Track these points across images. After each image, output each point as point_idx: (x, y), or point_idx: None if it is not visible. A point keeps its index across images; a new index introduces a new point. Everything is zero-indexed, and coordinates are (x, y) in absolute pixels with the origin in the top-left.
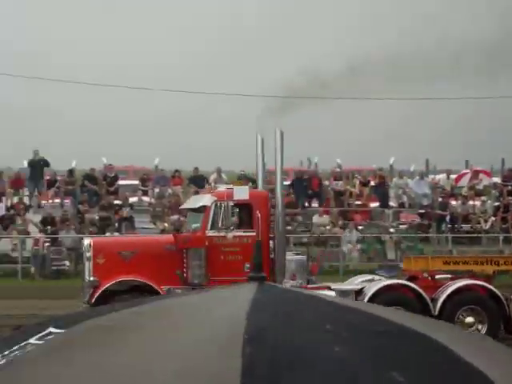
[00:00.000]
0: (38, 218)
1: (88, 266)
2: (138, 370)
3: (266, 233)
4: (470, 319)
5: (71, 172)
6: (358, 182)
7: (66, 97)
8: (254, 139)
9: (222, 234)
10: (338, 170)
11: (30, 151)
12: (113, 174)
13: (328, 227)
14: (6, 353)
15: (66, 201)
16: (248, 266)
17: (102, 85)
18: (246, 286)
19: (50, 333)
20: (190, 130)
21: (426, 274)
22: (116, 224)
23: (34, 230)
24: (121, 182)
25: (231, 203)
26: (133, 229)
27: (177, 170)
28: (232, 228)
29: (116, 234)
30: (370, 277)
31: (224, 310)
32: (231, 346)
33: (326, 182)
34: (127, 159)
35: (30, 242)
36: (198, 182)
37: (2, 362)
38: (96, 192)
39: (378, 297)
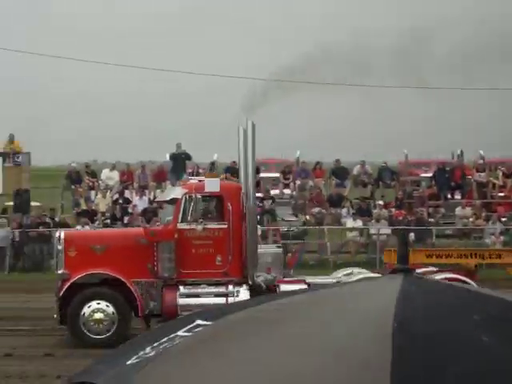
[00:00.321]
0: None
1: (59, 258)
2: (290, 362)
3: (237, 225)
4: None
5: (213, 165)
6: (501, 174)
7: None
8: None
9: (192, 226)
10: (481, 161)
11: (172, 145)
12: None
13: (471, 219)
14: (155, 345)
15: None
16: (220, 259)
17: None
18: (393, 277)
19: (198, 325)
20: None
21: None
22: (258, 216)
23: None
24: (262, 175)
25: (201, 195)
26: (274, 221)
27: (318, 162)
28: (201, 221)
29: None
30: (349, 270)
31: (372, 301)
32: (381, 334)
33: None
34: (268, 152)
35: None
36: (340, 174)
37: (152, 353)
38: None
39: None
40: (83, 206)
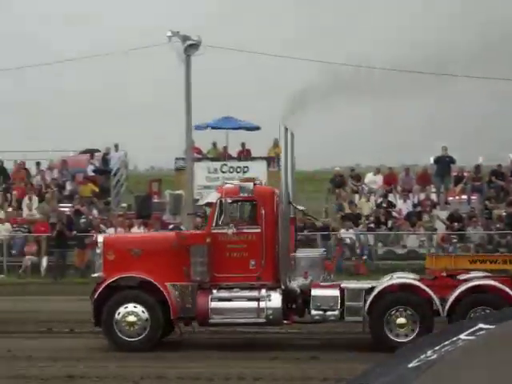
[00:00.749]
0: (444, 215)
1: (98, 262)
2: None
3: (270, 230)
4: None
5: (478, 168)
6: None
7: None
8: None
9: (223, 230)
10: None
11: (438, 148)
12: None
13: None
14: (436, 348)
15: (473, 197)
16: (253, 263)
17: None
18: None
19: (481, 328)
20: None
21: (444, 273)
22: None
23: (440, 227)
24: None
25: (235, 200)
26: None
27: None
28: (231, 225)
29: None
30: (389, 276)
31: None
32: None
33: None
34: None
35: (436, 239)
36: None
37: (434, 356)
38: (503, 188)
39: (384, 296)
40: (347, 210)
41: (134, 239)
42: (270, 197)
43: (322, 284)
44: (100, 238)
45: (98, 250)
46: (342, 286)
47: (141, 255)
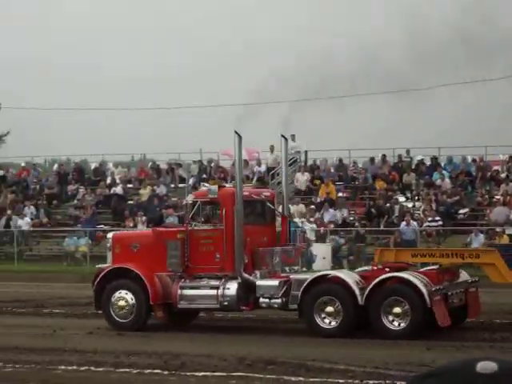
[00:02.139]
0: None
1: (108, 255)
2: None
3: (230, 227)
4: (397, 309)
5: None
6: None
7: None
8: None
9: (194, 227)
10: None
11: None
12: None
13: None
14: None
15: None
16: (218, 256)
17: None
18: None
19: None
20: None
21: (379, 266)
22: None
23: None
24: None
25: (204, 201)
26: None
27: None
28: (200, 223)
29: None
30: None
31: None
32: None
33: None
34: None
35: None
36: None
37: None
38: None
39: (313, 287)
40: None
41: (133, 235)
42: (230, 198)
43: (270, 275)
44: (109, 235)
45: (108, 245)
46: (290, 277)
47: (138, 249)
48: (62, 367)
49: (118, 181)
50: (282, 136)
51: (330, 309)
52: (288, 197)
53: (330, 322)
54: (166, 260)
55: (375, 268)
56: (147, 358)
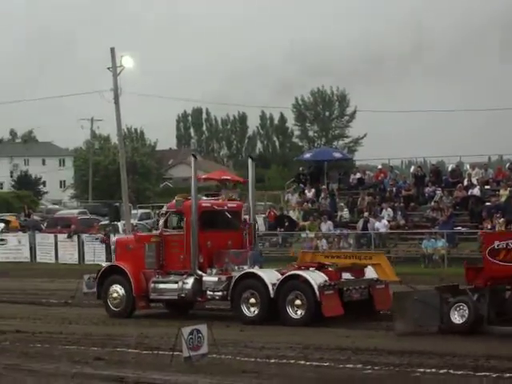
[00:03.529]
0: None
1: (113, 255)
2: None
3: (189, 233)
4: (298, 302)
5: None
6: None
7: None
8: None
9: (166, 233)
10: None
11: None
12: None
13: None
14: None
15: None
16: (182, 256)
17: None
18: None
19: None
20: None
21: (295, 265)
22: None
23: None
24: None
25: (173, 211)
26: None
27: None
28: (171, 229)
29: None
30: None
31: None
32: None
33: None
34: None
35: None
36: None
37: None
38: None
39: (241, 282)
40: None
41: (129, 239)
42: (189, 208)
43: (222, 273)
44: (113, 238)
45: (113, 247)
46: (232, 274)
47: (130, 250)
48: (421, 370)
49: (475, 182)
50: (249, 156)
51: (252, 300)
52: (254, 208)
53: (253, 311)
54: (144, 259)
55: (291, 267)
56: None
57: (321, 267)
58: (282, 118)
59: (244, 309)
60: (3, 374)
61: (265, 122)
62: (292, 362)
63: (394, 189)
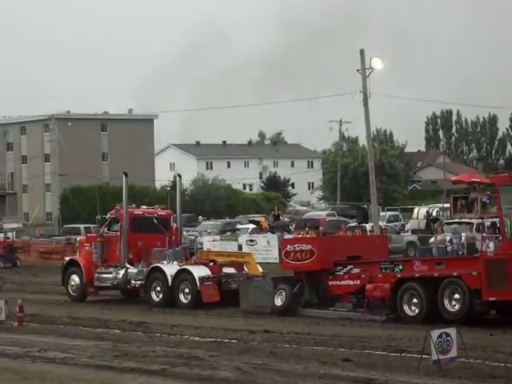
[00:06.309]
0: None
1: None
2: None
3: (121, 234)
4: (186, 290)
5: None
6: None
7: None
8: None
9: (107, 234)
10: None
11: None
12: None
13: None
14: None
15: None
16: (118, 253)
17: None
18: None
19: None
20: None
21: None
22: None
23: None
24: None
25: (114, 217)
26: None
27: None
28: (106, 231)
29: None
30: None
31: None
32: None
33: None
34: None
35: None
36: None
37: None
38: None
39: (151, 274)
40: None
41: (86, 238)
42: (121, 215)
43: (143, 266)
44: (78, 238)
45: (77, 244)
46: (153, 265)
47: (86, 247)
48: None
49: None
50: (178, 175)
51: (158, 288)
52: (181, 215)
53: (159, 297)
54: (92, 255)
55: (189, 262)
56: None
57: (208, 263)
58: None
59: (153, 295)
60: (252, 373)
61: None
62: None
63: None
